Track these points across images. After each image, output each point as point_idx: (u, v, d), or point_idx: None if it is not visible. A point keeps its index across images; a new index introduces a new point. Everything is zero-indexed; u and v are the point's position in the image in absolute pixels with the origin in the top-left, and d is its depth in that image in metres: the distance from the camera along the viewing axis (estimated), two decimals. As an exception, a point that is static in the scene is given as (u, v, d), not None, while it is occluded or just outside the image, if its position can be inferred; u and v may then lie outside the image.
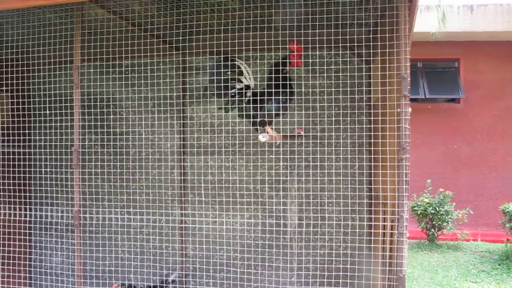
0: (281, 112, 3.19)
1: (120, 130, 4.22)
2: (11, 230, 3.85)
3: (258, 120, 3.11)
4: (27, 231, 4.23)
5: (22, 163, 3.96)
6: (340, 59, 3.78)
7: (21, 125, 3.80)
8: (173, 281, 3.92)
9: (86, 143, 4.28)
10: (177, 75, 4.05)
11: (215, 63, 3.22)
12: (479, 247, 7.14)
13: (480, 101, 8.24)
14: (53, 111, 3.93)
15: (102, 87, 4.12)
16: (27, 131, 4.23)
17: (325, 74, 3.49)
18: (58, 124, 4.03)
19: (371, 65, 3.54)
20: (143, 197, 4.16)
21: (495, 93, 8.20)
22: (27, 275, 4.41)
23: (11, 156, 3.91)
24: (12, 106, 3.81)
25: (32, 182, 4.37)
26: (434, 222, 7.04)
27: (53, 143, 4.12)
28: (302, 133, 3.60)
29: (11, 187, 3.80)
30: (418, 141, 7.83)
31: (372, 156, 3.59)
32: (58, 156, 4.09)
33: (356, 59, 3.74)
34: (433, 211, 6.89)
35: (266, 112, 3.08)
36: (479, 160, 8.21)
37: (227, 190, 3.99)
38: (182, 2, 3.04)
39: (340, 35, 3.29)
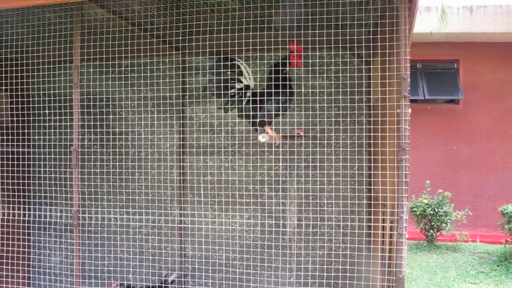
0: (280, 112, 3.19)
1: (119, 130, 4.21)
2: (10, 230, 3.84)
3: (258, 120, 3.11)
4: (26, 230, 4.22)
5: (21, 162, 3.95)
6: (340, 60, 3.78)
7: (21, 124, 3.79)
8: (172, 282, 3.91)
9: (86, 143, 4.27)
10: (176, 75, 4.05)
11: (215, 63, 3.22)
12: (478, 248, 7.14)
13: (480, 102, 8.25)
14: (52, 111, 3.93)
15: (102, 87, 4.12)
16: (26, 131, 4.22)
17: (325, 75, 3.49)
18: (58, 123, 4.03)
19: (371, 66, 3.54)
20: (142, 197, 4.16)
21: (495, 94, 8.21)
22: (26, 274, 4.41)
23: (10, 156, 3.90)
24: (12, 106, 3.81)
25: (31, 181, 4.36)
26: (433, 223, 7.04)
27: (52, 143, 4.11)
28: (302, 134, 3.60)
29: (10, 187, 3.80)
30: (417, 142, 7.83)
31: (372, 156, 3.59)
32: (57, 156, 4.09)
33: (356, 59, 3.74)
34: (432, 212, 6.89)
35: (265, 112, 3.08)
36: (478, 161, 8.21)
37: (226, 190, 3.99)
38: (182, 2, 3.04)
39: (340, 35, 3.29)
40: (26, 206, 4.10)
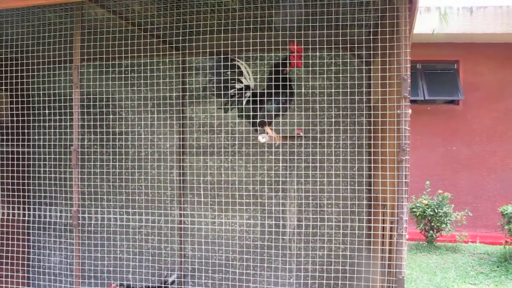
0: (280, 112, 3.19)
1: (119, 130, 4.21)
2: (10, 230, 3.84)
3: (258, 120, 3.11)
4: (26, 230, 4.22)
5: (21, 162, 3.95)
6: (340, 60, 3.78)
7: (21, 124, 3.79)
8: (172, 282, 3.91)
9: (85, 143, 4.27)
10: (176, 75, 4.05)
11: (215, 63, 3.22)
12: (478, 249, 7.14)
13: (479, 103, 8.25)
14: (52, 111, 3.93)
15: (102, 87, 4.11)
16: (26, 131, 4.22)
17: (325, 75, 3.49)
18: (58, 123, 4.02)
19: (371, 66, 3.54)
20: (142, 197, 4.15)
21: (494, 95, 8.21)
22: (26, 274, 4.40)
23: (10, 156, 3.90)
24: (12, 106, 3.81)
25: (31, 181, 4.35)
26: (432, 224, 7.04)
27: (52, 143, 4.11)
28: (302, 134, 3.60)
29: (10, 187, 3.79)
30: (417, 143, 7.83)
31: (372, 157, 3.59)
32: (57, 156, 4.09)
33: (356, 60, 3.74)
34: (431, 213, 6.89)
35: (265, 113, 3.08)
36: (478, 162, 8.21)
37: (226, 191, 3.99)
38: (182, 2, 3.04)
39: (340, 36, 3.29)
40: (26, 206, 4.09)
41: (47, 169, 4.20)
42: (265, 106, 3.08)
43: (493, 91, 8.23)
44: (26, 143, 4.15)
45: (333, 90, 3.70)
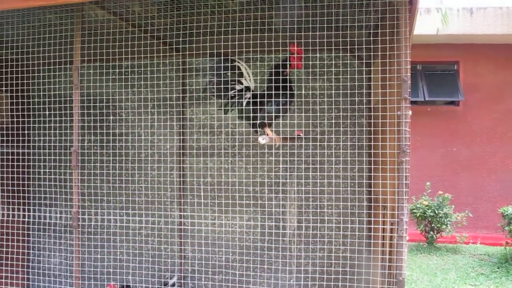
0: (281, 114, 3.18)
1: (119, 131, 4.21)
2: (10, 231, 3.83)
3: (258, 122, 3.11)
4: (26, 231, 4.21)
5: (21, 163, 3.95)
6: (340, 62, 3.78)
7: (21, 125, 3.79)
8: (173, 285, 3.91)
9: (86, 144, 4.27)
10: (177, 77, 4.05)
11: (215, 64, 3.22)
12: (478, 250, 7.14)
13: (480, 104, 8.25)
14: (52, 112, 3.93)
15: (102, 88, 4.11)
16: (26, 132, 4.22)
17: (325, 76, 3.49)
18: (58, 125, 4.02)
19: (371, 68, 3.54)
20: (142, 198, 4.15)
21: (495, 96, 8.21)
22: (25, 276, 4.40)
23: (10, 157, 3.90)
24: (12, 107, 3.81)
25: (31, 182, 4.35)
26: (433, 225, 7.04)
27: (52, 144, 4.11)
28: (302, 135, 3.60)
29: (10, 188, 3.79)
30: (417, 144, 7.83)
31: (372, 158, 3.59)
32: (57, 157, 4.08)
33: (356, 61, 3.74)
34: (432, 214, 6.88)
35: (266, 114, 3.08)
36: (478, 163, 8.21)
37: (226, 192, 3.98)
38: (182, 4, 3.04)
39: (340, 37, 3.29)
40: (26, 207, 4.09)
41: (47, 170, 4.20)
42: (265, 107, 3.08)
43: (493, 92, 8.23)
44: (26, 144, 4.14)
45: (333, 92, 3.70)
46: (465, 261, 6.46)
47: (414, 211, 7.03)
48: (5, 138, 3.85)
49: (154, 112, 4.09)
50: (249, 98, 3.17)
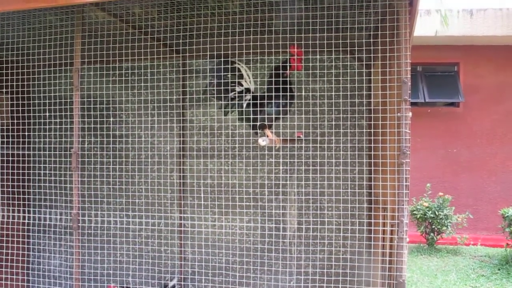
0: (281, 115, 3.18)
1: (119, 133, 4.21)
2: (10, 233, 3.83)
3: (258, 123, 3.11)
4: (26, 233, 4.21)
5: (21, 165, 3.95)
6: (340, 63, 3.78)
7: (21, 127, 3.79)
8: (173, 287, 3.90)
9: (86, 145, 4.27)
10: (177, 78, 4.05)
11: (215, 66, 3.22)
12: (479, 252, 7.13)
13: (480, 105, 8.25)
14: (52, 114, 3.93)
15: (102, 90, 4.12)
16: (26, 133, 4.22)
17: (325, 78, 3.49)
18: (58, 126, 4.02)
19: (371, 69, 3.54)
20: (142, 200, 4.15)
21: (495, 97, 8.21)
22: (25, 277, 4.40)
23: (10, 158, 3.90)
24: (12, 108, 3.81)
25: (31, 184, 4.35)
26: (433, 226, 7.03)
27: (52, 146, 4.11)
28: (302, 137, 3.60)
29: (10, 189, 3.79)
30: (417, 145, 7.83)
31: (372, 160, 3.59)
32: (58, 159, 4.08)
33: (356, 63, 3.74)
34: (432, 215, 6.88)
35: (266, 116, 3.08)
36: (478, 164, 8.20)
37: (226, 194, 3.98)
38: (183, 6, 3.04)
39: (341, 39, 3.29)
40: (26, 209, 4.09)
41: (47, 171, 4.20)
42: (265, 109, 3.08)
43: (493, 93, 8.23)
44: (26, 145, 4.15)
45: (333, 93, 3.70)
46: (466, 263, 6.46)
47: (414, 212, 7.03)
48: (5, 140, 3.85)
49: (154, 113, 4.09)
50: (249, 100, 3.17)
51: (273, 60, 3.76)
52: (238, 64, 3.17)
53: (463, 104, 8.31)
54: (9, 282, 3.68)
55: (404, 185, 2.46)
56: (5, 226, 3.86)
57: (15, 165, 3.90)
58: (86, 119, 4.13)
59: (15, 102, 3.68)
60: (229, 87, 3.16)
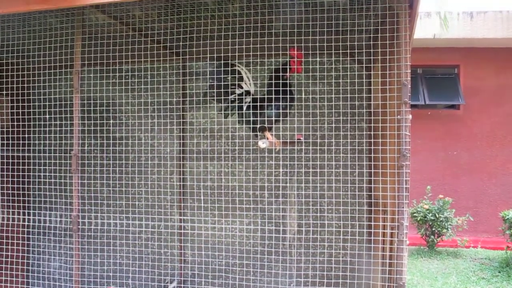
0: (281, 118, 3.19)
1: (119, 135, 4.21)
2: (10, 235, 3.83)
3: (258, 126, 3.11)
4: (26, 235, 4.21)
5: (21, 167, 3.95)
6: (340, 66, 3.78)
7: (21, 129, 3.79)
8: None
9: (86, 147, 4.27)
10: (177, 80, 4.06)
11: (215, 68, 3.22)
12: (479, 254, 7.12)
13: (480, 107, 8.25)
14: (52, 116, 3.93)
15: (102, 92, 4.12)
16: (26, 135, 4.22)
17: (325, 80, 3.49)
18: (58, 128, 4.02)
19: (371, 72, 3.54)
20: (142, 202, 4.15)
21: (495, 100, 8.21)
22: (25, 279, 4.39)
23: (10, 161, 3.90)
24: (12, 110, 3.81)
25: (31, 186, 4.35)
26: (433, 229, 7.03)
27: (52, 148, 4.11)
28: (302, 139, 3.60)
29: (10, 192, 3.79)
30: (418, 147, 7.82)
31: (372, 162, 3.59)
32: (58, 161, 4.08)
33: (356, 65, 3.74)
34: (432, 218, 6.87)
35: (266, 118, 3.08)
36: (478, 166, 8.20)
37: (226, 196, 3.98)
38: (183, 8, 3.04)
39: (341, 41, 3.29)
40: (26, 211, 4.09)
41: (47, 174, 4.20)
42: (265, 111, 3.08)
43: (494, 95, 8.23)
44: (26, 148, 4.15)
45: (333, 95, 3.70)
46: (466, 265, 6.45)
47: (414, 214, 7.02)
48: (5, 142, 3.86)
49: (154, 116, 4.09)
50: (249, 102, 3.18)
51: (273, 63, 3.76)
52: (238, 66, 3.18)
53: (463, 107, 8.31)
54: (8, 285, 3.67)
55: (404, 187, 2.46)
56: (5, 228, 3.86)
57: (15, 167, 3.90)
58: (86, 122, 4.13)
59: (15, 104, 3.68)
60: (229, 90, 3.16)
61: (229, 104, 3.21)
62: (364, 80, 3.49)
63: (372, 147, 3.23)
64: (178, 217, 4.09)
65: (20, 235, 4.02)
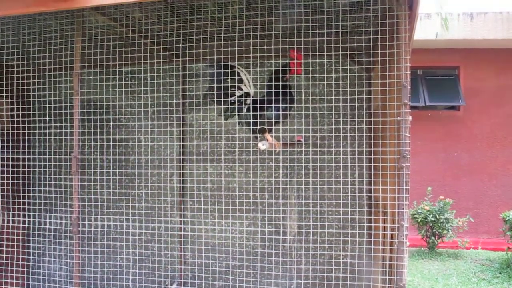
0: (281, 119, 3.18)
1: (119, 137, 4.21)
2: (10, 237, 3.83)
3: (258, 127, 3.11)
4: (26, 237, 4.21)
5: (21, 169, 3.95)
6: (340, 67, 3.78)
7: (21, 131, 3.79)
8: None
9: (86, 149, 4.27)
10: (177, 82, 4.06)
11: (215, 70, 3.22)
12: (480, 255, 7.11)
13: (480, 108, 8.25)
14: (53, 118, 3.93)
15: (102, 94, 4.12)
16: (26, 137, 4.23)
17: (325, 82, 3.49)
18: (58, 130, 4.03)
19: (371, 73, 3.54)
20: (142, 204, 4.15)
21: (495, 101, 8.21)
22: (25, 282, 4.39)
23: (10, 162, 3.90)
24: (12, 112, 3.81)
25: (31, 188, 4.35)
26: (434, 230, 7.02)
27: (52, 150, 4.11)
28: (302, 141, 3.59)
29: (10, 193, 3.79)
30: (418, 148, 7.82)
31: (372, 164, 3.58)
32: (58, 163, 4.08)
33: (356, 67, 3.74)
34: (433, 219, 6.86)
35: (266, 120, 3.08)
36: (479, 167, 8.19)
37: (226, 198, 3.98)
38: (182, 10, 3.05)
39: (340, 42, 3.30)
40: (26, 213, 4.09)
41: (47, 175, 4.20)
42: (265, 113, 3.08)
43: (494, 96, 8.23)
44: (26, 149, 4.15)
45: (333, 97, 3.70)
46: (467, 267, 6.44)
47: (415, 216, 7.02)
48: (5, 144, 3.86)
49: (154, 117, 4.09)
50: (249, 104, 3.18)
51: (272, 64, 3.76)
52: (238, 68, 3.18)
53: (464, 108, 8.31)
54: (9, 287, 3.67)
55: (404, 189, 2.46)
56: (5, 230, 3.85)
57: (16, 169, 3.90)
58: (86, 123, 4.13)
59: (15, 106, 3.68)
60: (229, 92, 3.16)
61: (229, 106, 3.20)
62: (364, 81, 3.49)
63: (372, 149, 3.23)
64: (178, 219, 4.09)
65: (20, 237, 4.02)
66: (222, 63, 3.19)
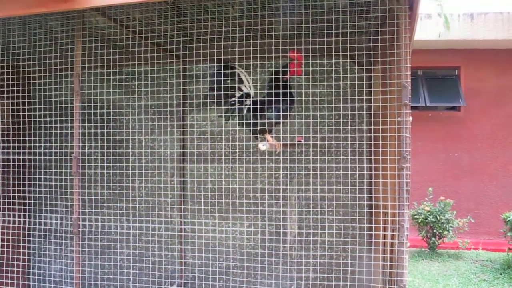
0: (281, 120, 3.18)
1: (120, 138, 4.21)
2: (10, 237, 3.83)
3: (258, 128, 3.11)
4: (26, 238, 4.21)
5: (22, 170, 3.95)
6: (341, 67, 3.78)
7: (21, 132, 3.80)
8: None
9: (86, 150, 4.27)
10: (177, 83, 4.06)
11: (215, 71, 3.22)
12: (480, 256, 7.10)
13: (481, 109, 8.24)
14: (53, 118, 3.93)
15: (103, 95, 4.12)
16: (27, 138, 4.23)
17: (325, 82, 3.50)
18: (58, 131, 4.03)
19: (372, 74, 3.54)
20: (142, 204, 4.15)
21: (496, 101, 8.21)
22: (26, 282, 4.39)
23: (11, 163, 3.90)
24: (13, 113, 3.82)
25: (32, 189, 4.35)
26: (434, 231, 7.01)
27: (53, 150, 4.11)
28: (302, 141, 3.60)
29: (11, 194, 3.79)
30: (418, 149, 7.81)
31: (373, 164, 3.58)
32: (58, 163, 4.09)
33: (356, 67, 3.74)
34: (433, 220, 6.86)
35: (266, 120, 3.08)
36: (479, 168, 8.19)
37: (226, 198, 3.98)
38: (183, 10, 3.05)
39: (341, 43, 3.30)
40: (27, 214, 4.09)
41: (47, 176, 4.20)
42: (266, 113, 3.08)
43: (494, 97, 8.22)
44: (27, 150, 4.15)
45: (333, 97, 3.70)
46: (467, 267, 6.43)
47: (415, 216, 7.01)
48: (6, 144, 3.86)
49: (154, 118, 4.09)
50: (249, 105, 3.18)
51: (273, 65, 3.76)
52: (238, 69, 3.18)
53: (464, 108, 8.30)
54: (9, 287, 3.67)
55: (404, 189, 2.45)
56: (5, 230, 3.86)
57: (16, 169, 3.91)
58: (86, 124, 4.13)
59: (16, 106, 3.68)
60: (229, 92, 3.16)
61: (229, 107, 3.21)
62: (364, 82, 3.49)
63: (373, 149, 3.22)
64: (178, 219, 4.09)
65: (21, 238, 4.02)
66: (222, 64, 3.20)
